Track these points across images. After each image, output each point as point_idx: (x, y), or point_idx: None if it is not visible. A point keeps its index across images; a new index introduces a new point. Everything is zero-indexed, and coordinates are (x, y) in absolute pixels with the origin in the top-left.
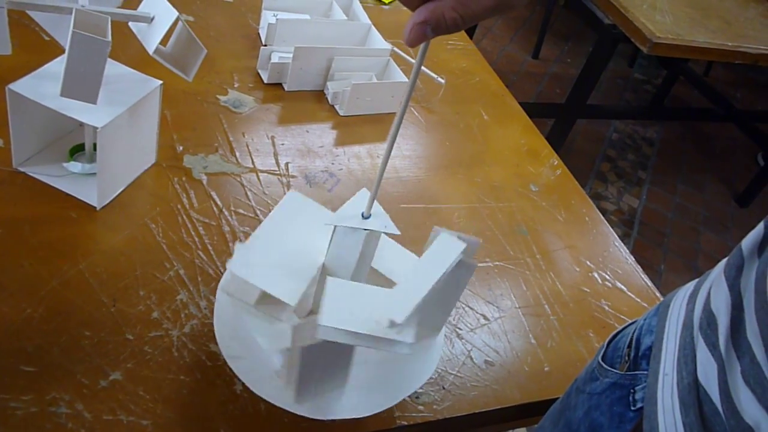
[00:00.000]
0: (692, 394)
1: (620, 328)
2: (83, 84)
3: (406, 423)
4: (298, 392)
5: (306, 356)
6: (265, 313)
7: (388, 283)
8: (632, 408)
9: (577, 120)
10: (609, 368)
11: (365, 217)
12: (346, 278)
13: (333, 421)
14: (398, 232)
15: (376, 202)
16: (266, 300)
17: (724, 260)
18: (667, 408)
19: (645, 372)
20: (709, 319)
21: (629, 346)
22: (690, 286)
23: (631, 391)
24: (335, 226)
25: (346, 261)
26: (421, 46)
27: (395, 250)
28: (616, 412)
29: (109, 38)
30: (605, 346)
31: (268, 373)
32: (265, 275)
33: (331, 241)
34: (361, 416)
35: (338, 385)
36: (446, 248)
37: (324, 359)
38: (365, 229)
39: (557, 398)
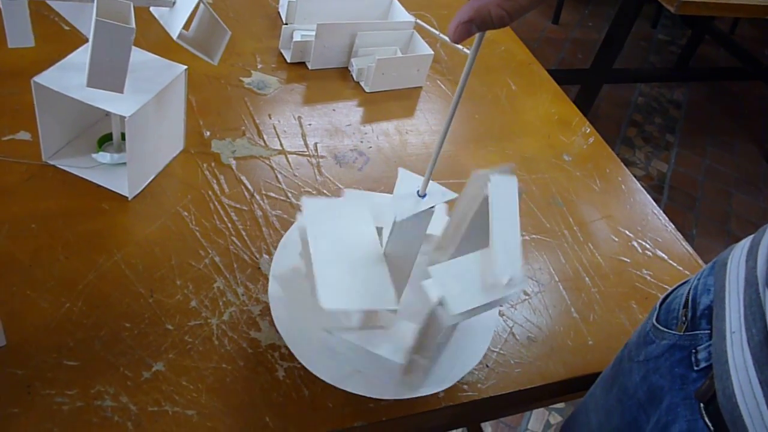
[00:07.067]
0: (765, 350)
1: (671, 289)
2: (109, 73)
3: (451, 403)
4: (422, 378)
5: (442, 346)
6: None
7: (427, 239)
8: (695, 368)
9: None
10: (666, 329)
11: (421, 195)
12: (412, 260)
13: (417, 398)
14: (456, 195)
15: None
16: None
17: None
18: (739, 366)
19: (705, 331)
20: None
21: (685, 307)
22: (745, 242)
23: (693, 351)
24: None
25: (410, 245)
26: (476, 37)
27: None
28: (678, 373)
29: (133, 25)
30: (657, 308)
31: (389, 377)
32: (358, 296)
33: (391, 232)
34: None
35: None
36: (505, 187)
37: (444, 339)
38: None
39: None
